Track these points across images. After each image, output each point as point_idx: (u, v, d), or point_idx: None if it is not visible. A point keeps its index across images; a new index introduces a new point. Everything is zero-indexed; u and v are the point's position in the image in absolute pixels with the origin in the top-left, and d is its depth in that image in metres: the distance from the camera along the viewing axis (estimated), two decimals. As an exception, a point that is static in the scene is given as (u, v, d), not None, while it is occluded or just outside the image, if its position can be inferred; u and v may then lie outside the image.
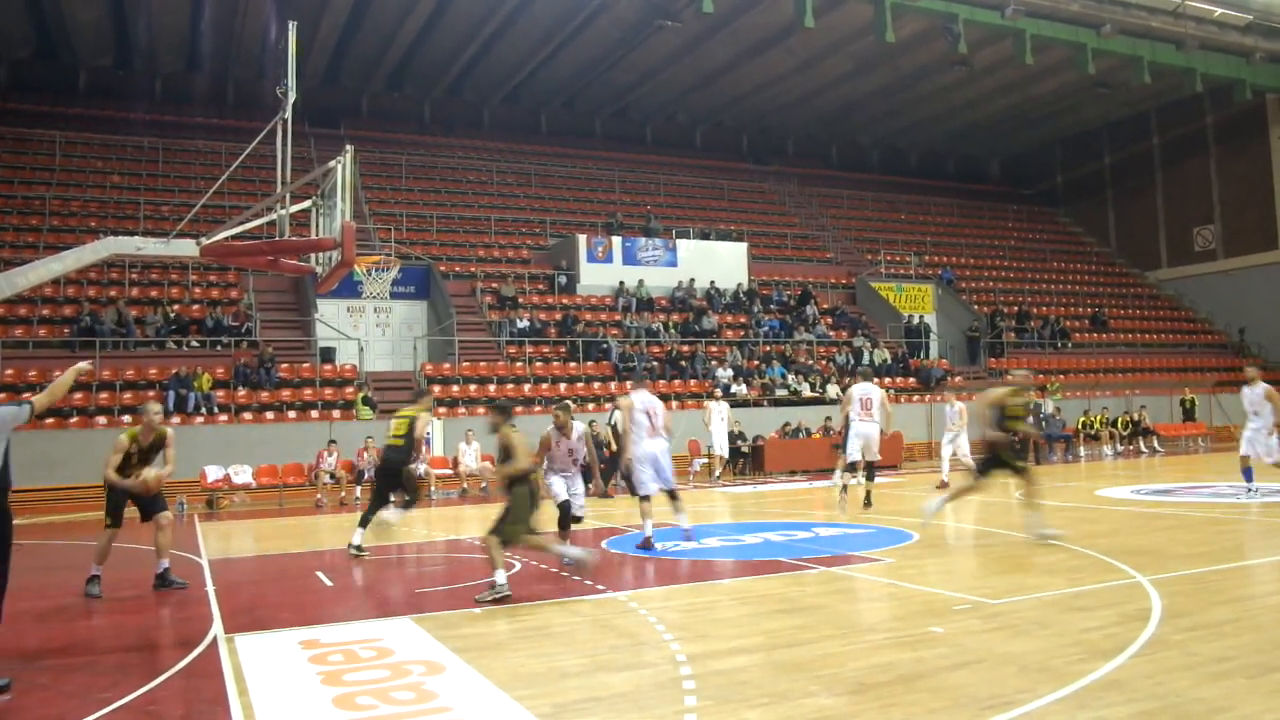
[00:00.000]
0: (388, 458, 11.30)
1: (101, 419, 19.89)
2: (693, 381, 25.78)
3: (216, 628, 7.06)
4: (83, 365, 7.07)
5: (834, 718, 4.52)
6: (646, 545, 10.38)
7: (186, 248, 11.04)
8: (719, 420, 21.43)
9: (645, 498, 10.65)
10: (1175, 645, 5.57)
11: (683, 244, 30.95)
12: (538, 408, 23.29)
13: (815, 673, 5.28)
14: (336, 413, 21.48)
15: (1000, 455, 10.16)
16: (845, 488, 13.97)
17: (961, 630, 6.14)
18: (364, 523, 11.03)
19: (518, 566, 9.62)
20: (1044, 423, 24.28)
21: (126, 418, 19.87)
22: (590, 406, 22.98)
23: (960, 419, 17.50)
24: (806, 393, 26.13)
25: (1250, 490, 13.30)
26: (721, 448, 21.71)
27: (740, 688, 5.03)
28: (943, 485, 16.45)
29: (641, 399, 11.00)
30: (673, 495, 10.99)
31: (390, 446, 11.29)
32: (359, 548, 10.81)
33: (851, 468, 14.46)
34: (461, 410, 22.55)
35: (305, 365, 23.08)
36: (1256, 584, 7.33)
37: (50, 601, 8.71)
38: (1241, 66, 34.26)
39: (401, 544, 12.16)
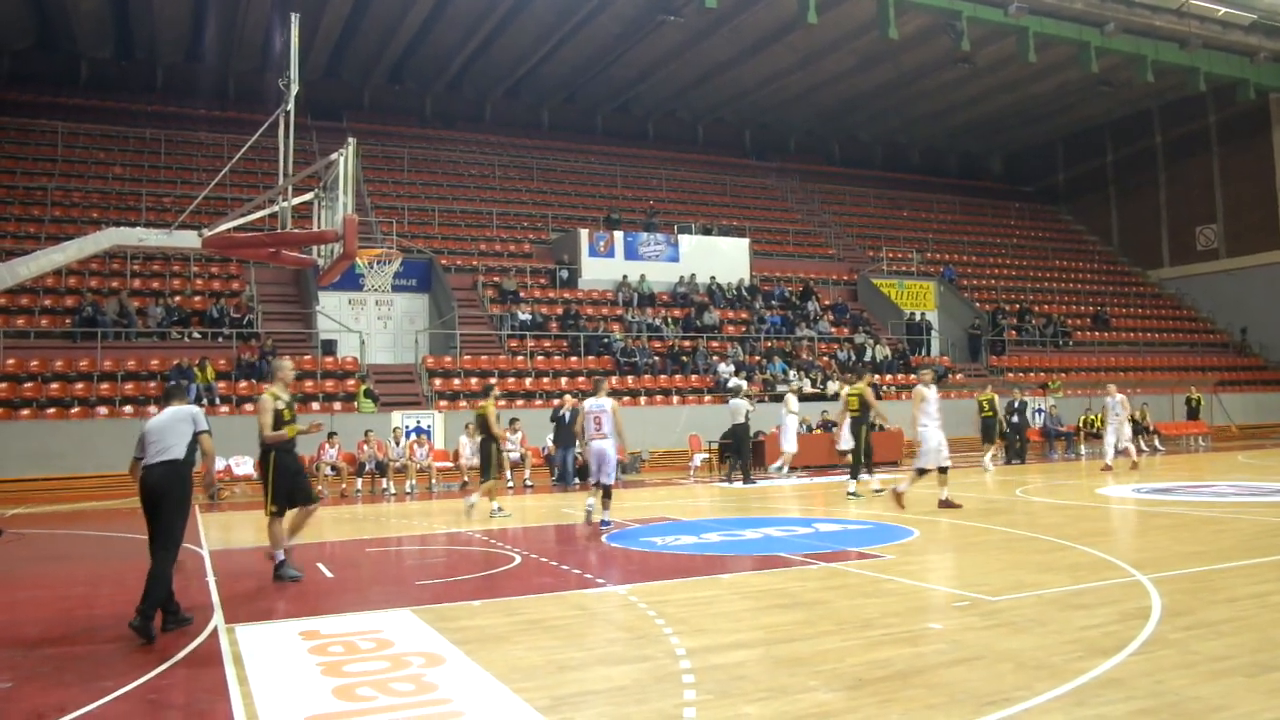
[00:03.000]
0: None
1: (103, 409, 19.91)
2: (694, 377, 25.79)
3: (217, 618, 7.06)
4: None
5: (832, 713, 4.52)
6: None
7: (188, 239, 11.07)
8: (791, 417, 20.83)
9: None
10: (1174, 644, 5.58)
11: (685, 239, 30.96)
12: (538, 401, 23.32)
13: (814, 668, 5.28)
14: (338, 405, 21.50)
15: None
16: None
17: (960, 627, 6.14)
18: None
19: (518, 559, 9.64)
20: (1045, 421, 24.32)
21: (128, 408, 19.90)
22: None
23: (1123, 409, 20.07)
24: (807, 389, 26.13)
25: None
26: (791, 445, 20.88)
27: (739, 682, 5.04)
28: (1107, 469, 19.54)
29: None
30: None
31: None
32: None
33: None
34: (463, 403, 22.56)
35: (306, 357, 23.09)
36: (1256, 583, 7.34)
37: (50, 590, 8.73)
38: (1245, 66, 34.23)
39: (400, 536, 12.18)
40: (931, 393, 13.09)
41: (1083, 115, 41.45)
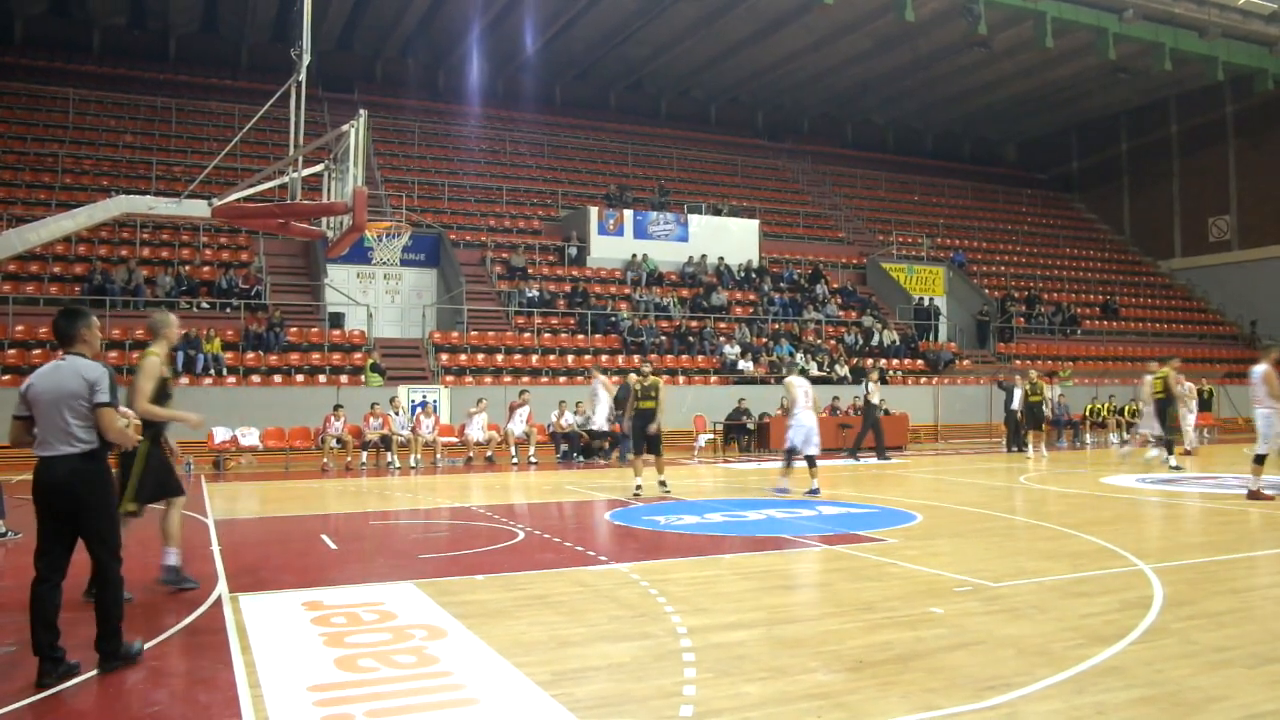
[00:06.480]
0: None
1: (110, 378, 19.94)
2: (700, 357, 25.77)
3: (221, 587, 7.10)
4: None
5: (832, 694, 4.54)
6: None
7: (198, 208, 11.06)
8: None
9: None
10: (1175, 633, 5.58)
11: (694, 219, 30.83)
12: (544, 379, 23.35)
13: (814, 649, 5.30)
14: (344, 378, 21.53)
15: None
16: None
17: (961, 612, 6.15)
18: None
19: (521, 535, 9.67)
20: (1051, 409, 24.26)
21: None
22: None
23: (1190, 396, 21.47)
24: (814, 372, 26.08)
25: None
26: None
27: (739, 661, 5.06)
28: (1188, 453, 20.11)
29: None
30: None
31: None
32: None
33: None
34: (469, 379, 22.59)
35: (314, 330, 23.12)
36: (1259, 575, 7.34)
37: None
38: (1264, 56, 33.92)
39: (404, 509, 12.22)
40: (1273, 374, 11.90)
41: (1099, 103, 41.10)
